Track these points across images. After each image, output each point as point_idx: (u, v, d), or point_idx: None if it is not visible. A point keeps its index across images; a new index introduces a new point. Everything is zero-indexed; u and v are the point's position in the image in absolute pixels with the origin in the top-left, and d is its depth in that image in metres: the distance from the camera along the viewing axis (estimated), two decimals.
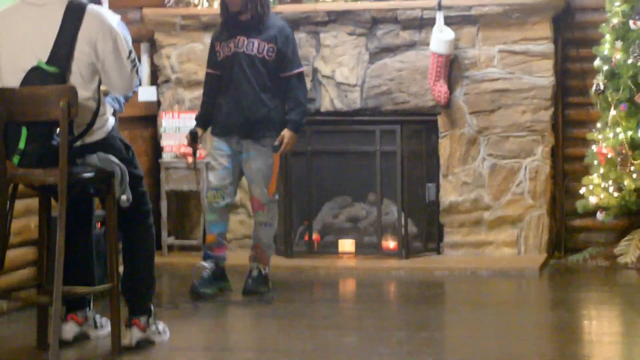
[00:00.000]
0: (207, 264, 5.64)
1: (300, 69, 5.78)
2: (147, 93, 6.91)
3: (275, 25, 5.73)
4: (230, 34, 5.72)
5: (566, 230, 6.79)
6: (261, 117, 5.66)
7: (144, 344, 4.43)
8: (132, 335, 4.40)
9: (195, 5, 6.87)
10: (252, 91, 5.66)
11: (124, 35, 4.28)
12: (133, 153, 4.41)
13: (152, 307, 4.52)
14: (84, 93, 4.07)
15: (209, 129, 5.83)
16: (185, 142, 5.88)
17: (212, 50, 5.80)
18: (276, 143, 5.65)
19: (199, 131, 5.77)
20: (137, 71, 4.25)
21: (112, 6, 6.45)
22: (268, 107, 5.67)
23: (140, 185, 4.42)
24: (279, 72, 5.71)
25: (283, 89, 5.72)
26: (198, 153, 6.01)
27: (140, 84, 4.08)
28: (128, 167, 4.27)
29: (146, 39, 7.01)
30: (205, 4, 6.83)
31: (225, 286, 5.74)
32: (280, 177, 6.06)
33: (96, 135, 4.20)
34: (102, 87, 4.27)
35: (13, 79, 4.07)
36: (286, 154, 5.93)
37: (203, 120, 5.82)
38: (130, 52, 4.21)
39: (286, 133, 5.66)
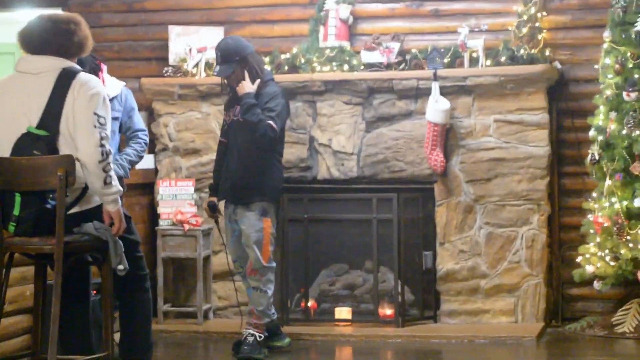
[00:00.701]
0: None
1: (274, 125, 5.69)
2: (144, 161, 6.93)
3: (269, 93, 5.82)
4: (232, 102, 5.92)
5: (563, 298, 6.77)
6: (247, 182, 5.73)
7: None
8: None
9: (193, 75, 6.93)
10: (239, 157, 5.76)
11: (107, 106, 4.15)
12: (130, 219, 4.42)
13: None
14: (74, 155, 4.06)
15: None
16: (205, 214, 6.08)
17: (224, 118, 6.01)
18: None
19: (215, 200, 5.91)
20: (102, 142, 4.01)
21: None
22: (253, 173, 5.74)
23: (136, 250, 4.44)
24: None
25: (270, 157, 5.78)
26: (220, 221, 6.05)
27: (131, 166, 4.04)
28: (125, 233, 4.28)
29: (144, 108, 7.07)
30: (203, 74, 6.90)
31: (281, 344, 5.96)
32: (276, 244, 6.07)
33: (93, 203, 4.21)
34: None
35: (6, 145, 4.10)
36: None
37: (214, 189, 5.97)
38: (99, 116, 4.04)
39: (247, 84, 5.72)
